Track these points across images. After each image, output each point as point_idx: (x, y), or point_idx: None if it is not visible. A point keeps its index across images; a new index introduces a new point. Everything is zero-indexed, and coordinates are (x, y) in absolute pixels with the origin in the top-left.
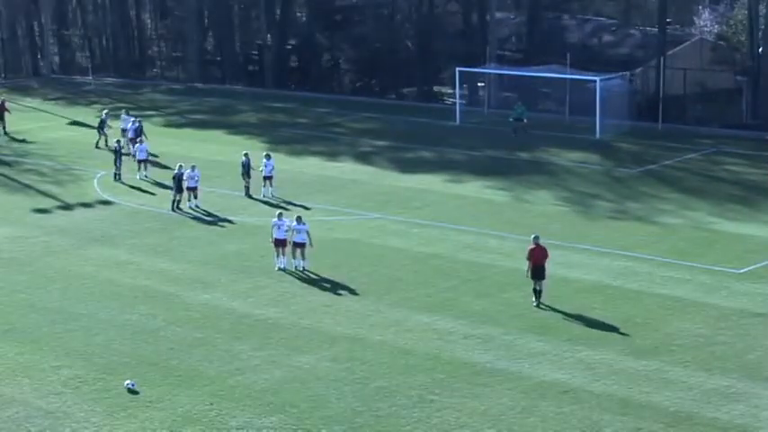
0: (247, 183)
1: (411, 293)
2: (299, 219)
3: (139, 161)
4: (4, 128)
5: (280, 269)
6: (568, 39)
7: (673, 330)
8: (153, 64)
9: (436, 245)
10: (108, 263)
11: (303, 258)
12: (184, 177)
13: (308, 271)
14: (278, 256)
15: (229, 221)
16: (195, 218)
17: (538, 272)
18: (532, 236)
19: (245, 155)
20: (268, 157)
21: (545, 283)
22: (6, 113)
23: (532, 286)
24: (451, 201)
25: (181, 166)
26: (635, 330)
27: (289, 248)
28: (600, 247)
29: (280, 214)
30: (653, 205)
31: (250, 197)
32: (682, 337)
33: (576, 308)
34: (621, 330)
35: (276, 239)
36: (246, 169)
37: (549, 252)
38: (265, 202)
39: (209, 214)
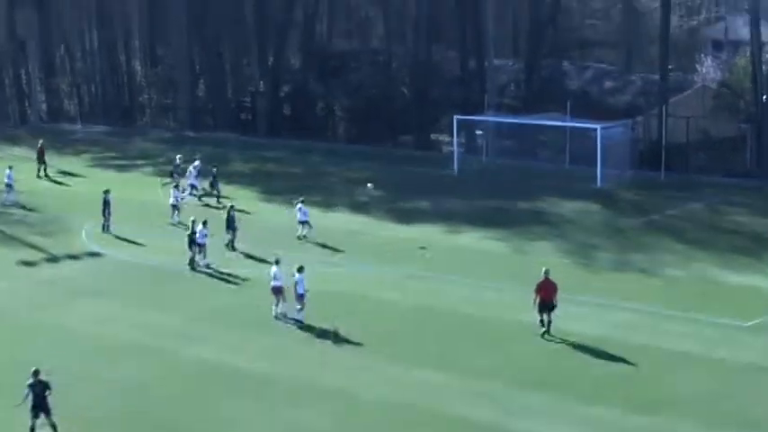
0: (231, 236)
1: (408, 348)
2: (300, 269)
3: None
4: (45, 170)
5: (276, 317)
6: (568, 86)
7: (677, 385)
8: (143, 112)
9: (433, 297)
10: (96, 316)
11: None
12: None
13: (301, 324)
14: (276, 303)
15: (221, 273)
16: (186, 271)
17: (545, 306)
18: (543, 269)
19: (231, 207)
20: (300, 202)
21: (554, 314)
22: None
23: (539, 318)
24: (449, 252)
25: (194, 222)
26: (638, 385)
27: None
28: (602, 299)
29: (277, 261)
30: (656, 256)
31: (233, 249)
32: (687, 392)
33: (577, 362)
34: (625, 385)
35: (273, 287)
36: (230, 223)
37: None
38: (249, 256)
39: (197, 267)
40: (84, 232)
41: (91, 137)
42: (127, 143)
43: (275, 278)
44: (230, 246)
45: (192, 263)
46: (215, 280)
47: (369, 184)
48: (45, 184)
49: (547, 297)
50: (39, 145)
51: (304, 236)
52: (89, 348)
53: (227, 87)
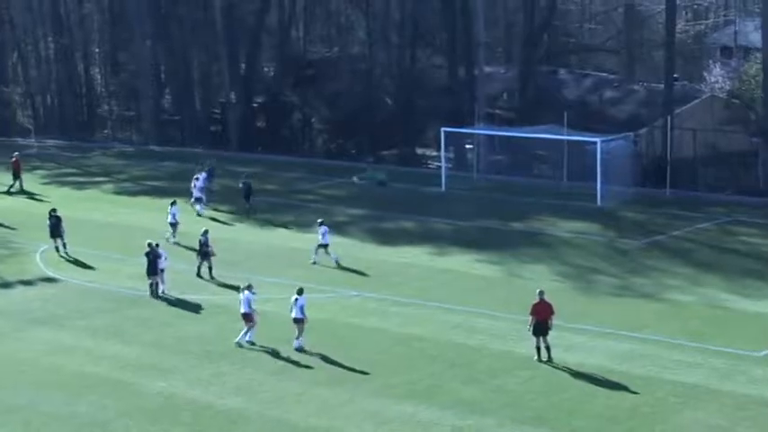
0: (201, 262)
1: (392, 380)
2: (300, 291)
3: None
4: (21, 185)
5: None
6: (566, 95)
7: (685, 421)
8: (103, 124)
9: (420, 325)
10: (52, 347)
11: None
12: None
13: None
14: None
15: (188, 301)
16: (150, 297)
17: (541, 328)
18: (538, 290)
19: (205, 232)
20: (321, 224)
21: (549, 338)
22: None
23: (535, 343)
24: (437, 276)
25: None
26: (643, 421)
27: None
28: (602, 327)
29: (249, 286)
30: (661, 281)
31: (201, 278)
32: (695, 428)
33: (576, 395)
34: (627, 422)
35: (243, 314)
36: (203, 248)
37: (556, 308)
38: (223, 284)
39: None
40: (38, 256)
41: (46, 151)
42: (85, 158)
43: (246, 304)
44: (198, 273)
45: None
46: (182, 307)
47: (354, 177)
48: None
49: (542, 319)
50: (13, 158)
51: (315, 262)
52: (43, 382)
53: (195, 97)
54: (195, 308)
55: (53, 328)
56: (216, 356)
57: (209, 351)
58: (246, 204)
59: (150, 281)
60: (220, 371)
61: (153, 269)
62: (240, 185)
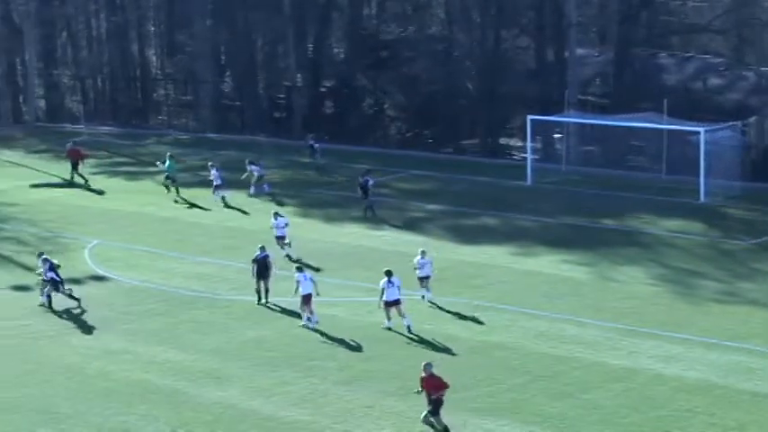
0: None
1: (470, 392)
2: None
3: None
4: (81, 175)
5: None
6: (666, 81)
7: None
8: (158, 110)
9: (501, 333)
10: (100, 352)
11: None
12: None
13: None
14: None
15: (247, 303)
16: (207, 298)
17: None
18: (423, 363)
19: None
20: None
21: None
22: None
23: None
24: (521, 278)
25: (263, 247)
26: None
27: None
28: (705, 336)
29: (300, 268)
30: None
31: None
32: None
33: (674, 412)
34: None
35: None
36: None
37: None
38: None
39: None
40: (87, 252)
41: (96, 139)
42: (139, 146)
43: (303, 286)
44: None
45: (259, 296)
46: (241, 310)
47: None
48: (44, 195)
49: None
50: (69, 147)
51: None
52: (91, 389)
53: (257, 81)
54: (254, 311)
55: (101, 330)
56: (278, 364)
57: (271, 358)
58: (365, 202)
59: (256, 287)
60: (283, 380)
61: (262, 273)
62: (359, 180)
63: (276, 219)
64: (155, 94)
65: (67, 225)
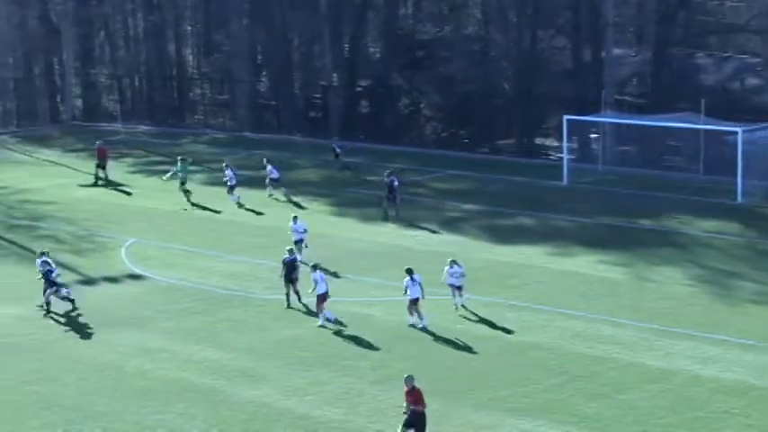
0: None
1: (504, 392)
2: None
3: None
4: (106, 176)
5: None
6: (704, 81)
7: None
8: (195, 109)
9: (537, 333)
10: (137, 350)
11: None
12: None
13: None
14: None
15: (281, 303)
16: (243, 297)
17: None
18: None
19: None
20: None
21: None
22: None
23: None
24: (557, 278)
25: (291, 250)
26: None
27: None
28: (742, 338)
29: (315, 266)
30: None
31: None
32: None
33: (710, 414)
34: None
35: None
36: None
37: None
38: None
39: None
40: (124, 251)
41: (133, 138)
42: (175, 145)
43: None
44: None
45: (289, 298)
46: (277, 309)
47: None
48: (80, 193)
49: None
50: (98, 146)
51: None
52: (128, 387)
53: (293, 81)
54: (290, 310)
55: (138, 329)
56: (312, 363)
57: (305, 357)
58: (389, 203)
59: (286, 290)
60: (317, 379)
61: (290, 276)
62: (385, 180)
63: (295, 223)
64: (191, 94)
65: (104, 224)
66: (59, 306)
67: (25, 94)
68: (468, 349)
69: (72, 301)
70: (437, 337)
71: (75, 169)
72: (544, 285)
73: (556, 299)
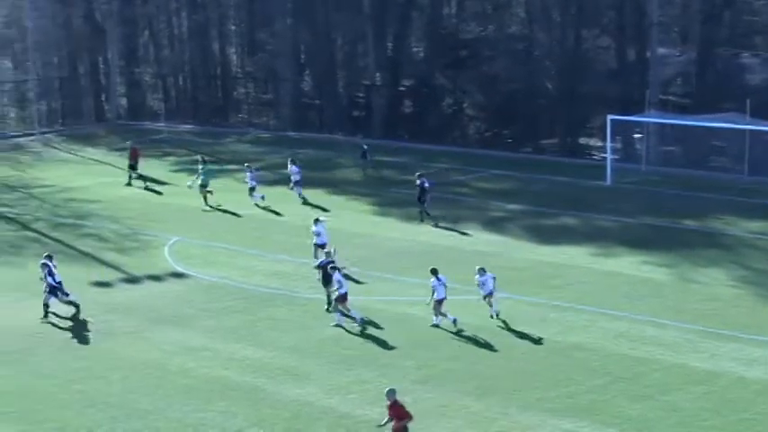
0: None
1: (548, 393)
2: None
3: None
4: (138, 175)
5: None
6: (749, 81)
7: None
8: (238, 108)
9: (580, 333)
10: (179, 348)
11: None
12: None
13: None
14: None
15: (322, 301)
16: (286, 296)
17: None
18: (387, 389)
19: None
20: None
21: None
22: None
23: None
24: (600, 279)
25: (328, 253)
26: None
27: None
28: None
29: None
30: None
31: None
32: None
33: (756, 416)
34: None
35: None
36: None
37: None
38: (356, 281)
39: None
40: (167, 249)
41: (177, 137)
42: (219, 145)
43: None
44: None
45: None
46: (319, 308)
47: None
48: (124, 192)
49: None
50: (130, 147)
51: None
52: (170, 385)
53: (337, 80)
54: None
55: (181, 327)
56: (355, 362)
57: (348, 356)
58: (421, 204)
59: (327, 291)
60: (360, 378)
61: (328, 280)
62: (416, 183)
63: (316, 225)
64: (235, 93)
65: (148, 222)
66: (60, 309)
67: (70, 94)
68: (511, 349)
69: (77, 306)
70: (482, 336)
71: (119, 168)
72: (587, 286)
73: (599, 299)
